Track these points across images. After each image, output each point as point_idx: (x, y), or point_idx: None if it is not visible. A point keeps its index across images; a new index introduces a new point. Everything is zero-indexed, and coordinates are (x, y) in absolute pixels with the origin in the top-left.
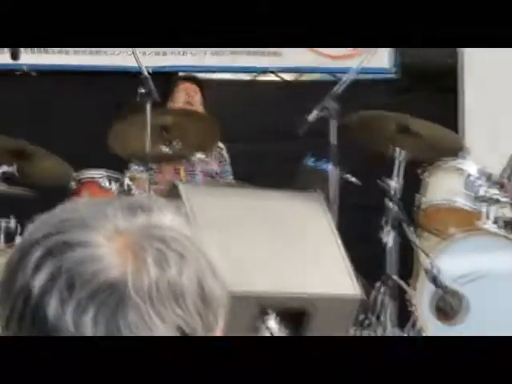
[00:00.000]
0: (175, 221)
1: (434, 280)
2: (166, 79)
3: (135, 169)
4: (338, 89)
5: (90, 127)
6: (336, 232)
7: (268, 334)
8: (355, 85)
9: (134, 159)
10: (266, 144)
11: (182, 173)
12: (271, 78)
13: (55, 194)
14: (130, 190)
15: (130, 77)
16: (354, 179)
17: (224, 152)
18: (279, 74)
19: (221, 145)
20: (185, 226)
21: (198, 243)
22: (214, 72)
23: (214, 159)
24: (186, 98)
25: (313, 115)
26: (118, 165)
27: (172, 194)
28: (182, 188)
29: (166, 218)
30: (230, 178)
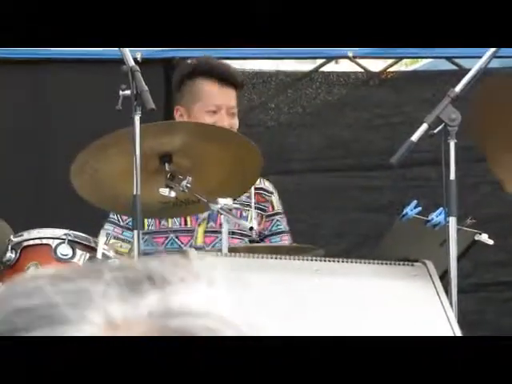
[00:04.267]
0: (210, 301)
1: None
2: (168, 69)
3: (111, 230)
4: (462, 87)
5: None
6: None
7: None
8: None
9: (113, 211)
10: (338, 179)
11: (200, 235)
12: (345, 67)
13: None
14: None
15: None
16: (487, 239)
17: (275, 199)
18: (360, 62)
19: (265, 184)
20: (225, 310)
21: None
22: (250, 59)
23: (249, 211)
24: (216, 118)
25: (418, 133)
26: (88, 219)
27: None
28: (195, 259)
29: (195, 295)
30: (282, 238)
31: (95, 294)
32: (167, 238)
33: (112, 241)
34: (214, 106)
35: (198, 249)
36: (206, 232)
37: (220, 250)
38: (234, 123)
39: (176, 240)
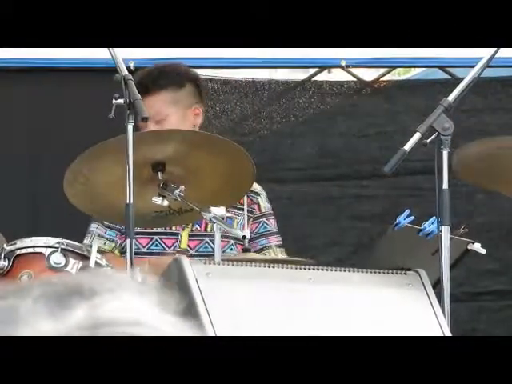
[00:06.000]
0: (139, 310)
1: None
2: None
3: (95, 227)
4: (455, 97)
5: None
6: None
7: None
8: (486, 86)
9: (106, 220)
10: (330, 188)
11: (184, 239)
12: (338, 76)
13: None
14: (99, 267)
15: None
16: (480, 248)
17: (261, 200)
18: (353, 71)
19: (257, 187)
20: (159, 315)
21: None
22: (243, 67)
23: (241, 215)
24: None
25: (411, 142)
26: (81, 227)
27: (170, 276)
28: (186, 266)
29: (123, 305)
30: (274, 243)
31: (23, 311)
32: (151, 239)
33: (96, 238)
34: (144, 119)
35: (180, 252)
36: (190, 235)
37: (211, 258)
38: (165, 122)
39: (160, 242)
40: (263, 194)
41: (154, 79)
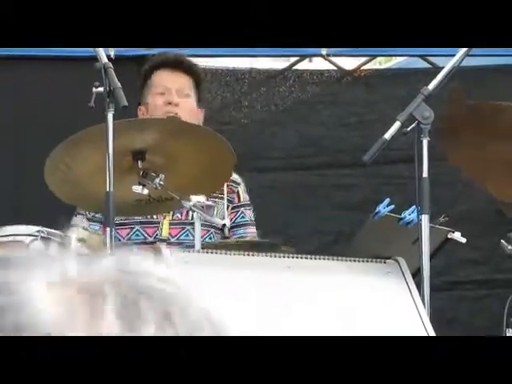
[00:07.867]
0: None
1: None
2: (141, 67)
3: (84, 226)
4: (435, 86)
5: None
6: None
7: None
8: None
9: (86, 208)
10: (311, 177)
11: (165, 227)
12: (318, 65)
13: None
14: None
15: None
16: (460, 237)
17: (241, 190)
18: (333, 60)
19: (237, 177)
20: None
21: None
22: (225, 56)
23: (221, 204)
24: (166, 97)
25: (391, 131)
26: (62, 216)
27: None
28: (165, 255)
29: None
30: (250, 234)
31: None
32: (132, 229)
33: (81, 230)
34: (163, 87)
35: (162, 241)
36: (171, 224)
37: (193, 246)
38: (185, 102)
39: (141, 231)
40: (242, 185)
41: (190, 62)
